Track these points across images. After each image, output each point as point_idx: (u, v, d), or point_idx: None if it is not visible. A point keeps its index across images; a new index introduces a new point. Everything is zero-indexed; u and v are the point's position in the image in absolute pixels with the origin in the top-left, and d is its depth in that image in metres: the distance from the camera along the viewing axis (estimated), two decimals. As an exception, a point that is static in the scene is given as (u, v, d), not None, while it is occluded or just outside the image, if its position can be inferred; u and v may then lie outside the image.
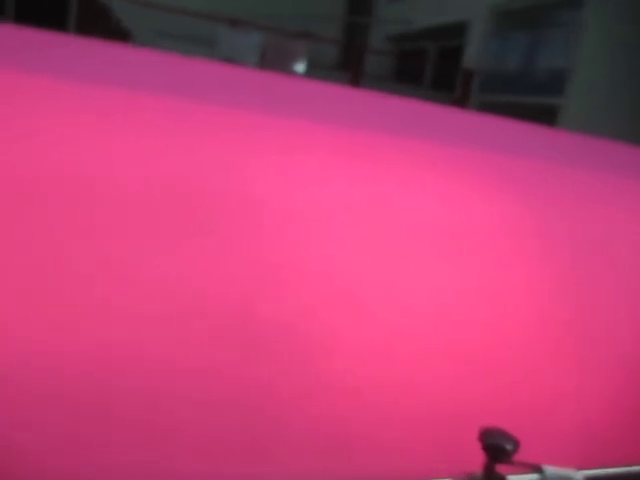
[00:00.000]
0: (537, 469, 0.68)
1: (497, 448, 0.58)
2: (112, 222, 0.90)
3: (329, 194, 0.97)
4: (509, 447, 0.58)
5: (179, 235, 0.91)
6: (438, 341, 0.98)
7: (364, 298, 0.97)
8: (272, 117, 1.02)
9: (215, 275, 0.92)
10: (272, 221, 0.92)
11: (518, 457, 0.67)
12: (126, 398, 0.94)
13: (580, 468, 0.78)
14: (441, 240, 1.00)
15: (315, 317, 0.94)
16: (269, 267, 0.94)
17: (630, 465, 1.16)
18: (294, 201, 0.95)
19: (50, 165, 0.89)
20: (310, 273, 0.95)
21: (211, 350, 0.93)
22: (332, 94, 1.23)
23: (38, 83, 0.90)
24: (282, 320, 0.94)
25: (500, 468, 0.67)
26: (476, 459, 0.75)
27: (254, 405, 0.95)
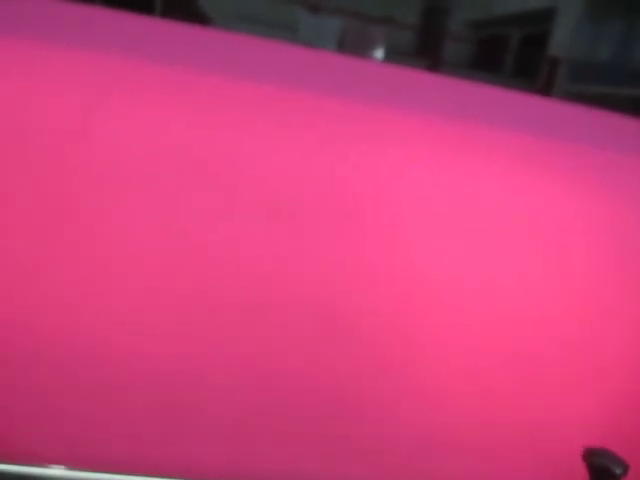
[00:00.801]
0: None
1: (604, 470, 0.54)
2: (202, 208, 0.90)
3: (413, 185, 0.94)
4: (618, 471, 0.53)
5: (262, 222, 0.90)
6: (530, 344, 0.94)
7: (454, 296, 0.93)
8: (357, 104, 0.99)
9: (298, 264, 0.91)
10: (357, 211, 0.90)
11: (622, 480, 0.62)
12: (202, 390, 0.95)
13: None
14: (524, 235, 0.95)
15: (401, 312, 0.92)
16: (354, 258, 0.92)
17: None
18: (378, 191, 0.92)
19: (131, 145, 0.90)
20: (396, 268, 0.93)
21: (291, 342, 0.92)
22: (415, 80, 1.18)
23: (119, 63, 0.91)
24: (366, 313, 0.92)
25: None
26: (572, 475, 0.70)
27: (334, 398, 0.94)
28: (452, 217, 0.93)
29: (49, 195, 0.86)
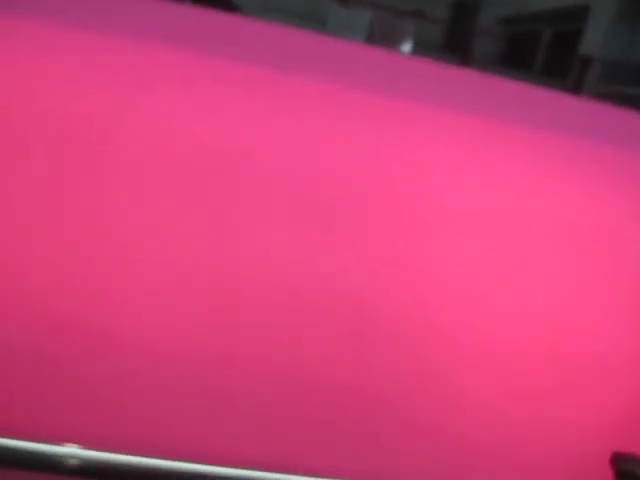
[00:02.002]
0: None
1: (633, 476, 0.52)
2: (234, 203, 0.90)
3: (440, 182, 0.92)
4: (648, 477, 0.52)
5: (293, 219, 0.90)
6: (561, 349, 0.92)
7: (486, 300, 0.92)
8: (386, 98, 0.98)
9: (329, 265, 0.90)
10: (389, 213, 0.89)
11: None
12: (225, 383, 0.95)
13: None
14: (551, 236, 0.93)
15: (432, 317, 0.91)
16: (385, 261, 0.91)
17: None
18: (411, 192, 0.91)
19: (172, 136, 0.90)
20: (427, 270, 0.92)
21: (320, 343, 0.92)
22: (443, 75, 1.17)
23: (155, 52, 0.91)
24: (397, 316, 0.91)
25: (629, 497, 0.61)
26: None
27: (363, 400, 0.94)
28: (479, 216, 0.91)
29: (81, 184, 0.87)
